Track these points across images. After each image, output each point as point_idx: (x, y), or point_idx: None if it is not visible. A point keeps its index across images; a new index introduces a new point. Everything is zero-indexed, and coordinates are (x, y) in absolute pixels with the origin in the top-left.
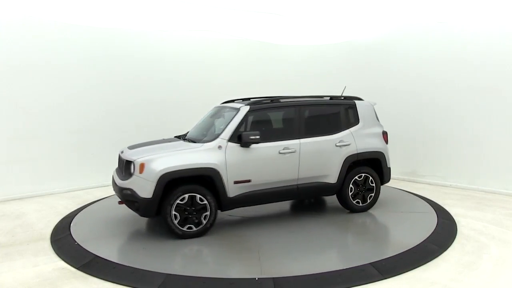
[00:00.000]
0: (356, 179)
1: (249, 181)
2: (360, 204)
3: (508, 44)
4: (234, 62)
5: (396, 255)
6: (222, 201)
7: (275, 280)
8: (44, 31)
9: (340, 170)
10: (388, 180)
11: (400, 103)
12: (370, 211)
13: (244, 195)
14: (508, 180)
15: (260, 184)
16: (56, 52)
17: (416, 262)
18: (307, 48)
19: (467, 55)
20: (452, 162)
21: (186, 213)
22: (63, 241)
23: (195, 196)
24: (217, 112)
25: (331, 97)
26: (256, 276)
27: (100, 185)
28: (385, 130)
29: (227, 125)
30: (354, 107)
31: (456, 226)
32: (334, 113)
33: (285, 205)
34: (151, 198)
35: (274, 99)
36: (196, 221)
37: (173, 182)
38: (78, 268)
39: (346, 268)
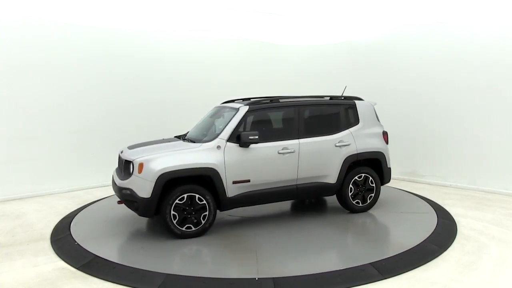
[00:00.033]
0: (356, 179)
1: (248, 181)
2: (360, 205)
3: (508, 44)
4: (234, 62)
5: (396, 255)
6: (221, 201)
7: (275, 280)
8: (44, 31)
9: (340, 170)
10: (389, 181)
11: (400, 103)
12: (370, 211)
13: (243, 195)
14: (508, 180)
15: (259, 184)
16: (56, 52)
17: (416, 262)
18: (307, 48)
19: (467, 55)
20: (452, 162)
21: (185, 213)
22: (63, 241)
23: (194, 196)
24: (217, 112)
25: (331, 97)
26: (256, 276)
27: (100, 185)
28: (385, 130)
29: (226, 125)
30: (354, 107)
31: (456, 226)
32: (334, 113)
33: (285, 205)
34: (149, 198)
35: (273, 99)
36: (195, 221)
37: (172, 182)
38: (78, 268)
39: (346, 268)
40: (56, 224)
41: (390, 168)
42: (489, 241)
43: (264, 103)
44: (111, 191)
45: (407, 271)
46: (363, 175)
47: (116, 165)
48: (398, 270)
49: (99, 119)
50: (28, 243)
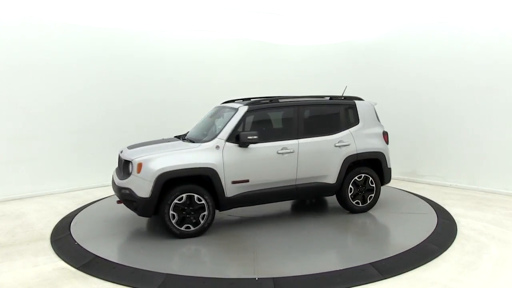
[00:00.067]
0: (355, 179)
1: (247, 181)
2: (360, 205)
3: (508, 44)
4: (234, 62)
5: (396, 255)
6: (220, 201)
7: (275, 280)
8: (44, 31)
9: (339, 171)
10: (389, 181)
11: (400, 103)
12: (370, 211)
13: (242, 195)
14: (508, 180)
15: (258, 184)
16: (56, 52)
17: (416, 262)
18: (307, 48)
19: (467, 55)
20: (452, 162)
21: (184, 212)
22: (63, 241)
23: (193, 196)
24: (217, 112)
25: (331, 97)
26: (256, 276)
27: (100, 185)
28: (385, 130)
29: (225, 125)
30: (354, 107)
31: (456, 226)
32: (334, 113)
33: (285, 205)
34: (148, 197)
35: (273, 99)
36: (194, 221)
37: (170, 182)
38: (78, 268)
39: (346, 268)
40: (56, 224)
41: (390, 169)
42: (489, 241)
43: (264, 103)
44: (111, 191)
45: (407, 271)
46: (363, 175)
47: (116, 165)
48: (398, 270)
49: (99, 119)
50: (28, 243)
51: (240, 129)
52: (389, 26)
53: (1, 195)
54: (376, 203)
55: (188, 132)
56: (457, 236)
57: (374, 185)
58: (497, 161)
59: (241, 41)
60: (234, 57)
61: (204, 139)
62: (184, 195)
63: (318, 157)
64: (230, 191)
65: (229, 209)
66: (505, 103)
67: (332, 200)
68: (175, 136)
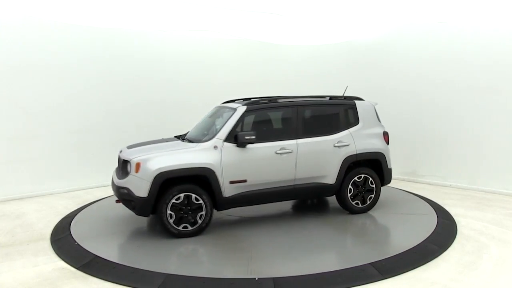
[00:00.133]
0: (355, 180)
1: (245, 181)
2: (360, 205)
3: (508, 44)
4: (234, 62)
5: (396, 255)
6: (218, 200)
7: (275, 280)
8: (44, 31)
9: (339, 171)
10: (389, 181)
11: (400, 103)
12: (370, 212)
13: (240, 195)
14: (508, 180)
15: (256, 184)
16: (56, 52)
17: (416, 262)
18: (307, 48)
19: (467, 55)
20: (452, 162)
21: (182, 212)
22: (63, 241)
23: (190, 195)
24: (216, 112)
25: (331, 97)
26: (256, 276)
27: (100, 185)
28: (386, 130)
29: (223, 125)
30: (353, 107)
31: (456, 226)
32: (333, 113)
33: (285, 205)
34: (146, 197)
35: (272, 99)
36: (192, 220)
37: (169, 182)
38: (78, 268)
39: (346, 268)
40: (56, 224)
41: (390, 169)
42: (489, 241)
43: (262, 103)
44: (111, 191)
45: (407, 271)
46: (362, 175)
47: (116, 165)
48: (398, 270)
49: (99, 119)
50: (28, 243)
51: (238, 129)
52: (389, 26)
53: (1, 195)
54: (376, 203)
55: (188, 132)
56: (457, 236)
57: (374, 186)
58: (497, 161)
59: (241, 41)
60: (234, 57)
61: (203, 139)
62: (182, 195)
63: (317, 157)
64: (228, 191)
65: (227, 209)
66: (505, 103)
67: (333, 200)
68: (175, 136)
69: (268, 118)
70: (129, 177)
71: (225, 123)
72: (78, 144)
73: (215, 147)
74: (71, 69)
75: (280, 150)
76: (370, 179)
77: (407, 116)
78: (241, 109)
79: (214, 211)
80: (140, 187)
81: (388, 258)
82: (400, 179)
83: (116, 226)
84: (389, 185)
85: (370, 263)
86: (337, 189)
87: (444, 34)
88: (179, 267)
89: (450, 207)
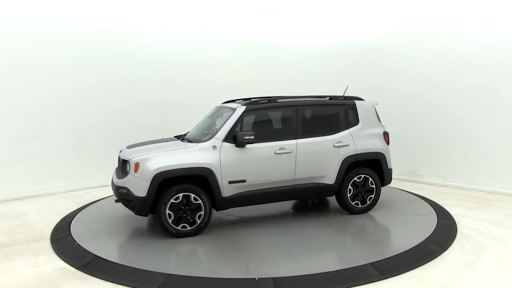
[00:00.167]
0: (355, 180)
1: (244, 181)
2: (360, 206)
3: (508, 44)
4: (234, 62)
5: (396, 255)
6: (217, 200)
7: (275, 280)
8: (44, 31)
9: (338, 171)
10: (389, 182)
11: (400, 103)
12: (370, 212)
13: (239, 195)
14: (508, 180)
15: (256, 184)
16: (56, 52)
17: (416, 262)
18: (307, 48)
19: (467, 55)
20: (452, 162)
21: (181, 212)
22: (63, 241)
23: (189, 195)
24: (216, 112)
25: (331, 97)
26: (256, 276)
27: (100, 185)
28: (386, 130)
29: (223, 125)
30: (353, 107)
31: (456, 226)
32: (332, 114)
33: (285, 205)
34: (145, 197)
35: (271, 99)
36: (191, 220)
37: (167, 181)
38: (78, 268)
39: (346, 268)
40: (56, 224)
41: (391, 169)
42: (489, 241)
43: (262, 103)
44: (111, 191)
45: (407, 271)
46: (362, 176)
47: (116, 165)
48: (398, 270)
49: (99, 119)
50: (28, 243)
51: (237, 129)
52: (389, 26)
53: (1, 195)
54: (376, 203)
55: (188, 132)
56: (457, 236)
57: (374, 186)
58: (497, 161)
59: (241, 41)
60: (234, 57)
61: (203, 139)
62: (180, 195)
63: (316, 157)
64: (227, 191)
65: (226, 209)
66: (505, 103)
67: (333, 200)
68: (175, 136)
69: (267, 118)
70: (128, 177)
71: (224, 123)
72: (78, 144)
73: (214, 147)
74: (71, 69)
75: (279, 150)
76: (370, 179)
77: (407, 116)
78: (240, 109)
79: (214, 211)
80: (139, 186)
81: (388, 258)
82: (400, 179)
83: (116, 226)
84: (389, 185)
85: (370, 263)
86: (337, 189)
87: (444, 34)
88: (179, 267)
89: (450, 207)
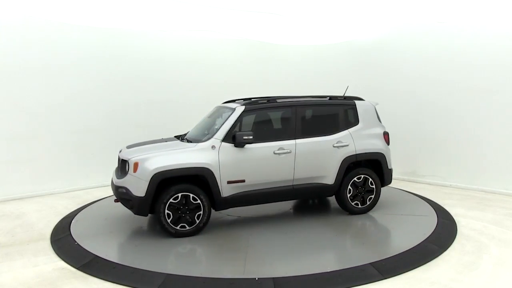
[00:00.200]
0: (355, 180)
1: (243, 181)
2: (359, 206)
3: (508, 44)
4: (234, 62)
5: (396, 255)
6: (216, 200)
7: (275, 280)
8: (44, 31)
9: (338, 171)
10: (390, 182)
11: (400, 103)
12: (370, 212)
13: (238, 195)
14: (508, 180)
15: (255, 185)
16: (56, 52)
17: (416, 262)
18: (307, 48)
19: (467, 55)
20: (452, 162)
21: (179, 212)
22: (63, 241)
23: (188, 195)
24: (216, 112)
25: (331, 97)
26: (256, 276)
27: (100, 185)
28: (386, 130)
29: (222, 125)
30: (353, 107)
31: (456, 226)
32: (332, 114)
33: (285, 205)
34: (144, 196)
35: (270, 99)
36: (190, 220)
37: (166, 181)
38: (78, 268)
39: (346, 268)
40: (56, 224)
41: (391, 169)
42: (489, 241)
43: (261, 103)
44: (111, 191)
45: (407, 271)
46: (362, 176)
47: (116, 165)
48: (398, 270)
49: (99, 119)
50: (28, 243)
51: (236, 129)
52: (389, 26)
53: (1, 195)
54: (376, 204)
55: (188, 132)
56: (457, 236)
57: (373, 186)
58: (497, 161)
59: (241, 41)
60: (234, 57)
61: (203, 139)
62: (179, 195)
63: (315, 157)
64: (226, 191)
65: (225, 209)
66: (505, 103)
67: (334, 201)
68: (174, 136)
69: (266, 118)
70: (127, 177)
71: (223, 123)
72: (78, 144)
73: (213, 147)
74: (71, 69)
75: (278, 150)
76: (370, 179)
77: (407, 116)
78: (240, 109)
79: (213, 211)
80: (138, 186)
81: (388, 258)
82: (400, 179)
83: (116, 226)
84: (389, 185)
85: (370, 263)
86: (336, 189)
87: (444, 34)
88: (178, 267)
89: (450, 207)
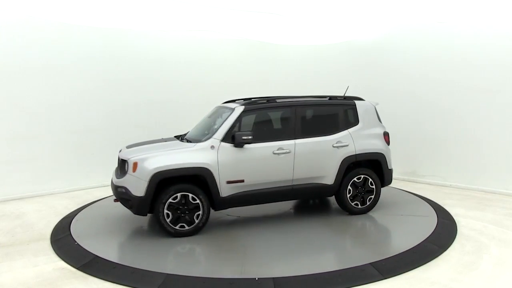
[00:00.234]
0: (355, 180)
1: (242, 181)
2: (359, 206)
3: (508, 44)
4: (234, 62)
5: (396, 255)
6: (215, 200)
7: (275, 280)
8: (44, 31)
9: (338, 172)
10: (390, 182)
11: (400, 103)
12: (370, 212)
13: (237, 195)
14: (508, 180)
15: (254, 185)
16: (56, 52)
17: (416, 262)
18: (307, 48)
19: (467, 55)
20: (452, 162)
21: (179, 212)
22: (63, 241)
23: (187, 195)
24: (216, 112)
25: (331, 97)
26: (256, 276)
27: (100, 185)
28: (386, 131)
29: (221, 125)
30: (353, 107)
31: (456, 226)
32: (332, 114)
33: (285, 205)
34: (143, 196)
35: (270, 99)
36: (189, 220)
37: (166, 181)
38: (78, 268)
39: (346, 268)
40: (56, 224)
41: (391, 170)
42: (489, 241)
43: (260, 103)
44: (111, 191)
45: (407, 271)
46: (362, 176)
47: (116, 165)
48: (398, 270)
49: (99, 119)
50: (28, 243)
51: (236, 129)
52: (389, 26)
53: (1, 195)
54: (376, 204)
55: (187, 132)
56: (457, 236)
57: (373, 187)
58: (497, 161)
59: (241, 41)
60: (234, 57)
61: (202, 139)
62: (178, 194)
63: (315, 157)
64: (225, 191)
65: (225, 208)
66: (505, 103)
67: (334, 201)
68: (174, 136)
69: (266, 118)
70: (127, 176)
71: (223, 123)
72: (78, 144)
73: (212, 147)
74: (71, 69)
75: (277, 150)
76: (370, 179)
77: (407, 116)
78: (239, 109)
79: (212, 210)
80: (137, 186)
81: (388, 258)
82: (400, 179)
83: (116, 225)
84: (389, 185)
85: (370, 263)
86: (336, 189)
87: (444, 34)
88: (178, 267)
89: (450, 207)
